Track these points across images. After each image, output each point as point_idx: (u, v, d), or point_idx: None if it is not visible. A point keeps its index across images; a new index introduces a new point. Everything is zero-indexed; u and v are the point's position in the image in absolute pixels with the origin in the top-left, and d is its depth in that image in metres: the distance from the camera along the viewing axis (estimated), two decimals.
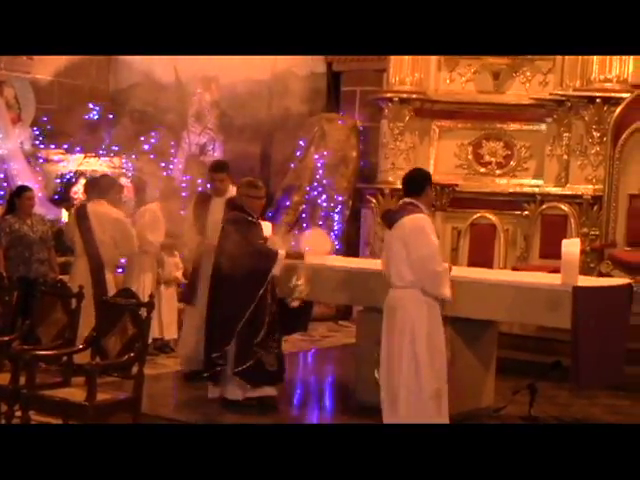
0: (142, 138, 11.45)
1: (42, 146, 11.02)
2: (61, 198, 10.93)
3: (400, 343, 5.67)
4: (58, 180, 10.99)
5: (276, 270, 6.65)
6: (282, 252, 6.73)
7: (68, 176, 10.98)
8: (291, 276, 6.79)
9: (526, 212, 10.12)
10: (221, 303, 6.72)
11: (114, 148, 11.17)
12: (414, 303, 5.68)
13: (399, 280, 5.72)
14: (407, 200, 5.86)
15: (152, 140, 11.53)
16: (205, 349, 6.76)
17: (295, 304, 6.81)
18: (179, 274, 9.19)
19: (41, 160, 10.93)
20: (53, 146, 11.11)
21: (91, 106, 11.36)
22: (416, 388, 5.66)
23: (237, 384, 6.66)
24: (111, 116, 11.42)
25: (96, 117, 11.29)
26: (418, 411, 5.66)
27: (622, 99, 9.48)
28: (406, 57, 10.50)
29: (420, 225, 5.71)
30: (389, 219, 5.88)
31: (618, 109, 9.43)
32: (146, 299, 6.18)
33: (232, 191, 7.51)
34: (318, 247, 7.26)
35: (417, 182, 5.93)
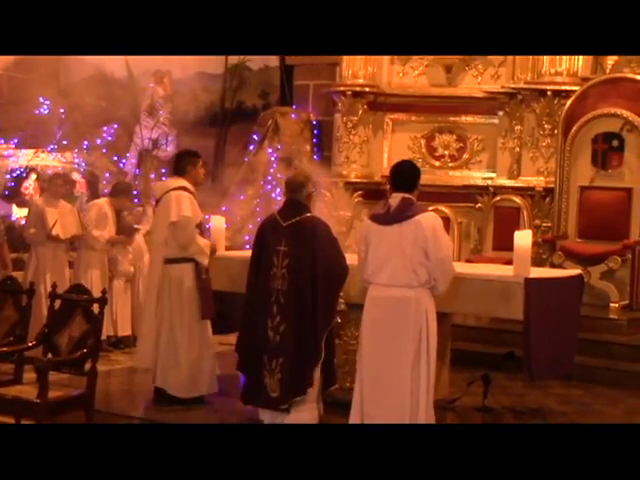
0: (94, 133, 11.35)
1: None
2: (12, 194, 10.81)
3: (416, 344, 5.44)
4: (8, 176, 10.86)
5: None
6: None
7: (19, 171, 10.86)
8: None
9: (479, 205, 10.19)
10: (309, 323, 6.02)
11: (65, 143, 11.05)
12: (428, 302, 5.51)
13: (409, 279, 5.45)
14: (404, 196, 5.59)
15: (104, 135, 11.44)
16: (289, 384, 6.01)
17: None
18: (132, 269, 9.12)
19: None
20: (2, 141, 10.96)
21: (41, 100, 11.22)
22: (430, 389, 5.52)
23: (320, 406, 6.13)
24: (62, 110, 11.29)
25: (46, 111, 11.15)
26: (429, 411, 5.55)
27: (572, 92, 9.57)
28: None
29: (437, 225, 5.54)
30: (390, 217, 5.55)
31: (568, 102, 9.52)
32: (94, 295, 6.12)
33: None
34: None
35: (409, 178, 5.68)
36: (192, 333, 6.75)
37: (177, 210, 6.77)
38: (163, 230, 6.83)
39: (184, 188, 6.85)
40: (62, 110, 11.27)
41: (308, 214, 6.13)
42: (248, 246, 8.44)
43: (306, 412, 5.98)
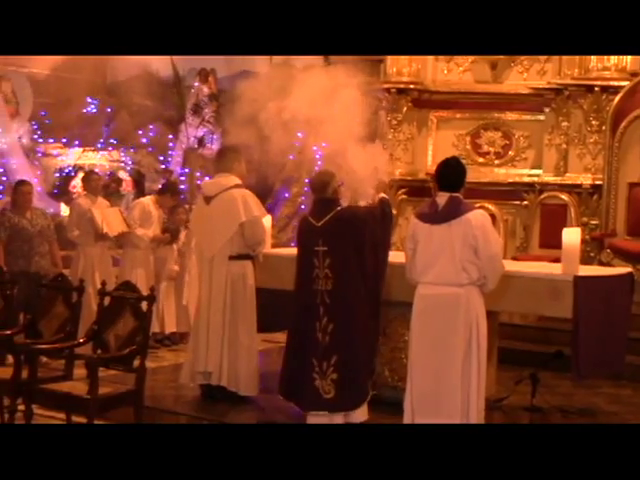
0: (140, 131, 11.44)
1: (40, 140, 11.01)
2: (60, 192, 10.94)
3: (466, 342, 5.40)
4: (57, 174, 11.00)
5: None
6: None
7: (67, 170, 10.99)
8: None
9: (525, 202, 10.10)
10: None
11: (112, 141, 11.16)
12: (477, 299, 5.47)
13: (459, 278, 5.40)
14: (451, 195, 5.52)
15: (150, 133, 11.53)
16: (360, 377, 6.04)
17: None
18: (176, 268, 9.17)
19: (40, 154, 10.92)
20: (51, 140, 11.10)
21: (89, 100, 11.34)
22: (481, 388, 5.50)
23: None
24: (109, 109, 11.41)
25: (94, 110, 11.27)
26: (480, 411, 5.52)
27: (621, 87, 9.45)
28: None
29: (487, 223, 5.49)
30: (439, 216, 5.50)
31: (617, 98, 9.40)
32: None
33: None
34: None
35: (456, 178, 5.60)
36: (253, 330, 6.73)
37: (246, 210, 6.67)
38: (227, 229, 6.66)
39: (240, 185, 6.78)
40: (109, 109, 11.38)
41: (339, 208, 6.11)
42: (293, 243, 8.46)
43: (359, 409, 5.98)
